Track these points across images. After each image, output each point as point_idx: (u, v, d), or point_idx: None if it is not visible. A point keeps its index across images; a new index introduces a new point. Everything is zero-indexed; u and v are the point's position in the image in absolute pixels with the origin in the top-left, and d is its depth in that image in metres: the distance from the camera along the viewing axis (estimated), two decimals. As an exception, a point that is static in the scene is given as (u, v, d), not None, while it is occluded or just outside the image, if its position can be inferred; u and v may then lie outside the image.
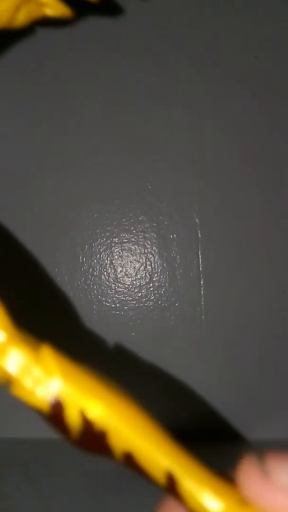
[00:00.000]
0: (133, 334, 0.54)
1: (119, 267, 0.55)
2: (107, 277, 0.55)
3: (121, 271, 0.55)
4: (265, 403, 0.54)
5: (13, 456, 0.48)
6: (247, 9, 0.56)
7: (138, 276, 0.55)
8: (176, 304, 0.54)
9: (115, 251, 0.55)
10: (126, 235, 0.55)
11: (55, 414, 0.19)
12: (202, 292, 0.54)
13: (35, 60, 0.55)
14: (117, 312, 0.54)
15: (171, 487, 0.19)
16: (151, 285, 0.54)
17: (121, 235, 0.55)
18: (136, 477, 0.19)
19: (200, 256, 0.55)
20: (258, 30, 0.56)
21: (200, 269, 0.55)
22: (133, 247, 0.55)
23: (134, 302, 0.54)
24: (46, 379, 0.19)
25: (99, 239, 0.55)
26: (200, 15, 0.56)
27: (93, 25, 0.56)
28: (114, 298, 0.55)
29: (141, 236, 0.55)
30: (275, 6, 0.56)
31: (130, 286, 0.55)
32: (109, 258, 0.55)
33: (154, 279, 0.55)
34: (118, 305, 0.54)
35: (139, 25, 0.56)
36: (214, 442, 0.52)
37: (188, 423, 0.53)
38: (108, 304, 0.54)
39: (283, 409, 0.54)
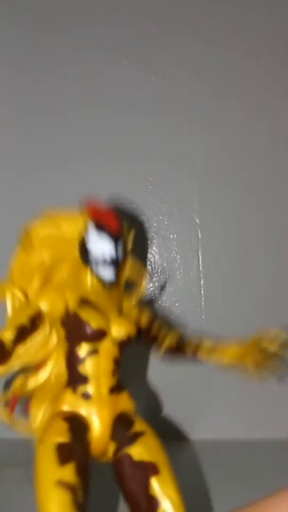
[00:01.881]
0: (133, 334, 0.54)
1: (119, 267, 0.55)
2: (107, 277, 0.55)
3: (121, 271, 0.55)
4: (266, 403, 0.54)
5: (13, 456, 0.48)
6: (247, 9, 0.56)
7: (138, 276, 0.55)
8: (176, 304, 0.55)
9: (115, 251, 0.55)
10: (126, 235, 0.55)
11: None
12: (202, 292, 0.54)
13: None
14: (117, 312, 0.54)
15: None
16: (151, 285, 0.54)
17: (121, 235, 0.55)
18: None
19: (200, 256, 0.55)
20: (258, 30, 0.56)
21: (200, 269, 0.55)
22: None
23: (134, 302, 0.54)
24: None
25: (99, 239, 0.55)
26: (200, 15, 0.56)
27: (92, 27, 0.56)
28: (114, 298, 0.54)
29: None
30: (275, 6, 0.56)
31: (130, 286, 0.55)
32: (109, 258, 0.55)
33: (154, 279, 0.55)
34: (118, 305, 0.54)
35: (139, 26, 0.56)
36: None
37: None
38: (108, 304, 0.54)
39: None
